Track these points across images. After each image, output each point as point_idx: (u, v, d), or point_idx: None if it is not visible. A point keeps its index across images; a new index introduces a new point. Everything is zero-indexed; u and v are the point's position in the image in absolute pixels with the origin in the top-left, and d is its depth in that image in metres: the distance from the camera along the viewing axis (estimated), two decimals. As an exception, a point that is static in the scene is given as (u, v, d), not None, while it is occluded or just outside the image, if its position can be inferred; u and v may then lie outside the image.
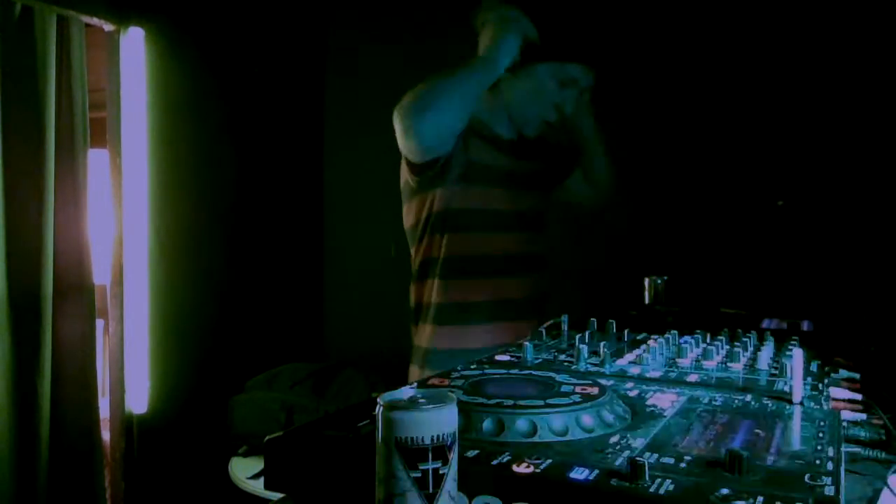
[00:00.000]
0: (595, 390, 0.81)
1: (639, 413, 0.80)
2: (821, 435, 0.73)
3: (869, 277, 2.13)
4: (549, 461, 0.64)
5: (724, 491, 0.57)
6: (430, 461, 0.56)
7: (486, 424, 0.72)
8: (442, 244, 1.59)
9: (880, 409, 0.86)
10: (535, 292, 1.69)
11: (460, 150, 1.55)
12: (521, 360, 1.09)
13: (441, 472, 0.57)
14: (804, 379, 0.89)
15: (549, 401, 0.76)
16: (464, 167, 1.56)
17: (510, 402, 0.75)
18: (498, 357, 1.13)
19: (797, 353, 0.88)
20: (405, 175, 1.62)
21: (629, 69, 2.38)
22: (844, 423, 0.81)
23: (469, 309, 1.59)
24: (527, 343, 1.11)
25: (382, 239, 1.50)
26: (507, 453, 0.66)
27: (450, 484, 0.58)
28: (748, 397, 0.88)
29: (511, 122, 1.66)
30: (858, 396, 0.92)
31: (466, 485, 0.61)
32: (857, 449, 0.74)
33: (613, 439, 0.71)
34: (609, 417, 0.75)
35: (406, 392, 0.61)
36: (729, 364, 1.04)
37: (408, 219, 1.66)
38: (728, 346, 1.15)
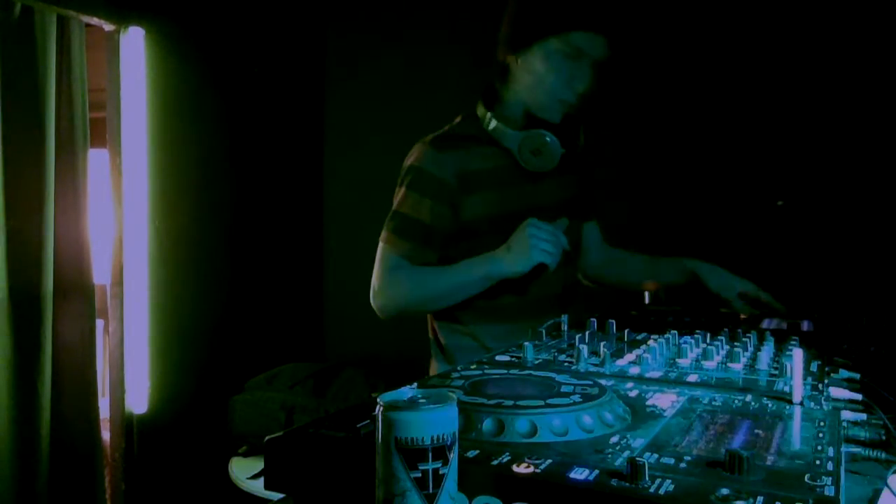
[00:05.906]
0: (595, 390, 0.81)
1: (639, 413, 0.80)
2: (821, 435, 0.73)
3: (869, 277, 2.13)
4: (549, 461, 0.64)
5: (724, 491, 0.57)
6: (429, 461, 0.56)
7: (486, 424, 0.72)
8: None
9: (880, 410, 0.86)
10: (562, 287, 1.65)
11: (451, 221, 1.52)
12: (521, 360, 1.09)
13: (441, 472, 0.57)
14: (804, 379, 0.89)
15: (549, 401, 0.76)
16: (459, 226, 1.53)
17: (510, 403, 0.75)
18: (498, 357, 1.13)
19: (797, 353, 0.88)
20: None
21: (629, 70, 2.38)
22: (844, 424, 0.81)
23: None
24: (527, 343, 1.11)
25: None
26: (507, 453, 0.66)
27: (450, 484, 0.58)
28: (748, 397, 0.88)
29: (527, 115, 1.54)
30: (858, 396, 0.92)
31: (466, 485, 0.61)
32: (857, 449, 0.74)
33: (613, 439, 0.71)
34: (609, 418, 0.75)
35: (406, 392, 0.61)
36: (729, 364, 1.04)
37: None
38: (728, 347, 1.15)
